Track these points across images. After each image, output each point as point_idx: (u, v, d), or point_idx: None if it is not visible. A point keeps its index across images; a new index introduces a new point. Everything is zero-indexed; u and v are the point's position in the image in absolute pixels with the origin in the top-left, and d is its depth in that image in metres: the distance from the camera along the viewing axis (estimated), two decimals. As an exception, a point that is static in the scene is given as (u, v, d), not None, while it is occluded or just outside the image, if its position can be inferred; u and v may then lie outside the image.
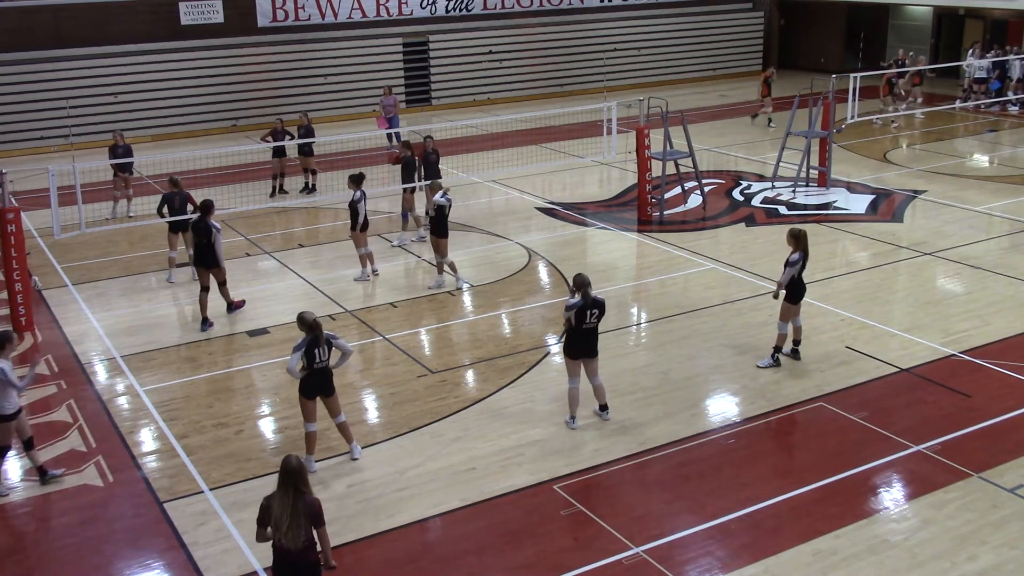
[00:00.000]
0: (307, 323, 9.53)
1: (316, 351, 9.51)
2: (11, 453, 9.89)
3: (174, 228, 15.39)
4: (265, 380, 11.94)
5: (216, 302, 13.95)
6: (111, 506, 9.48)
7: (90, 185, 18.69)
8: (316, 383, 9.65)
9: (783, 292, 11.77)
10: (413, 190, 17.29)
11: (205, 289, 13.66)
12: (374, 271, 15.47)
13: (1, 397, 9.44)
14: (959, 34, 34.10)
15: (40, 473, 9.85)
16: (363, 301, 14.60)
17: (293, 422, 10.76)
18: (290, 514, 6.69)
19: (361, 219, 14.93)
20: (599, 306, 10.29)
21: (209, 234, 13.44)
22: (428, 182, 16.26)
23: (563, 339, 10.68)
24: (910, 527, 8.73)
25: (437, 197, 14.62)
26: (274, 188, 20.67)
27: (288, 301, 14.63)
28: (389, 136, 25.28)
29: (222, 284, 13.96)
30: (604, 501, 9.29)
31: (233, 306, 14.20)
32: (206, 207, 13.63)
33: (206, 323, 13.65)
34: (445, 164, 23.01)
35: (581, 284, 10.26)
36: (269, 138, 20.19)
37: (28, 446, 9.82)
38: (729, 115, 28.87)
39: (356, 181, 15.12)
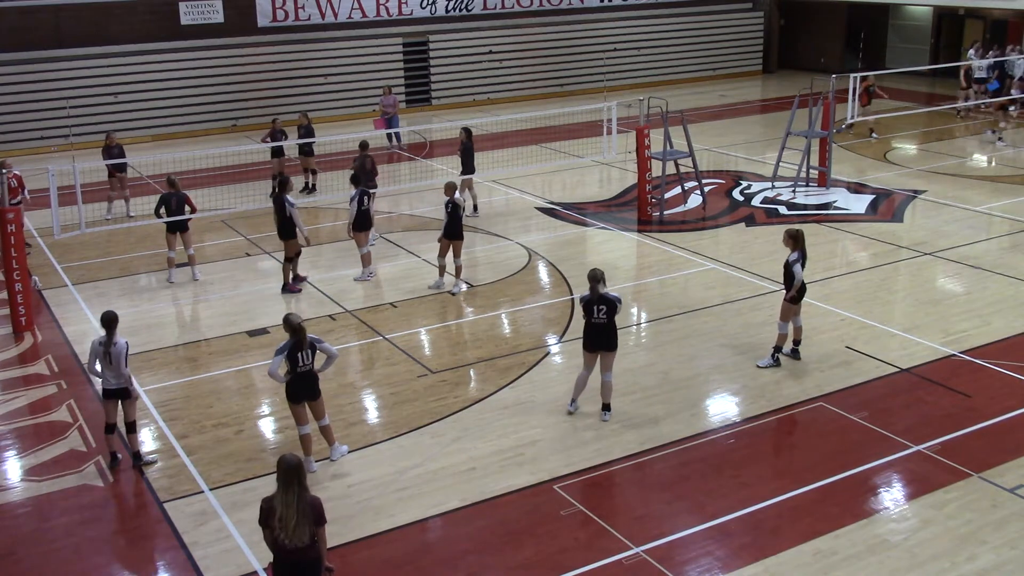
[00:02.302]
0: (292, 326, 9.49)
1: (299, 355, 9.49)
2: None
3: (172, 228, 15.40)
4: (265, 380, 11.92)
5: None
6: (111, 506, 9.49)
7: (90, 185, 18.68)
8: (301, 387, 9.64)
9: (785, 291, 11.80)
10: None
11: (288, 260, 14.92)
12: (370, 273, 15.46)
13: (120, 371, 9.74)
14: (959, 34, 34.09)
15: (135, 457, 10.02)
16: (363, 301, 14.60)
17: (293, 422, 10.75)
18: (296, 511, 6.66)
19: (352, 216, 15.00)
20: (607, 303, 10.35)
21: (283, 208, 14.50)
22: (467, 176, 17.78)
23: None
24: (910, 527, 8.73)
25: (457, 196, 14.64)
26: (274, 188, 20.61)
27: (288, 301, 14.63)
28: (389, 136, 25.28)
29: (288, 259, 14.84)
30: (604, 501, 9.29)
31: (288, 286, 14.90)
32: (283, 183, 14.83)
33: (298, 279, 15.08)
34: (445, 164, 23.07)
35: (590, 279, 10.43)
36: (268, 139, 20.15)
37: (131, 428, 10.02)
38: (729, 115, 28.86)
39: (356, 180, 15.14)
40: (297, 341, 9.46)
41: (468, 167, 18.24)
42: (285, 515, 6.65)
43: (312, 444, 9.92)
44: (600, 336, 10.50)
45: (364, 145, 17.93)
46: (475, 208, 18.65)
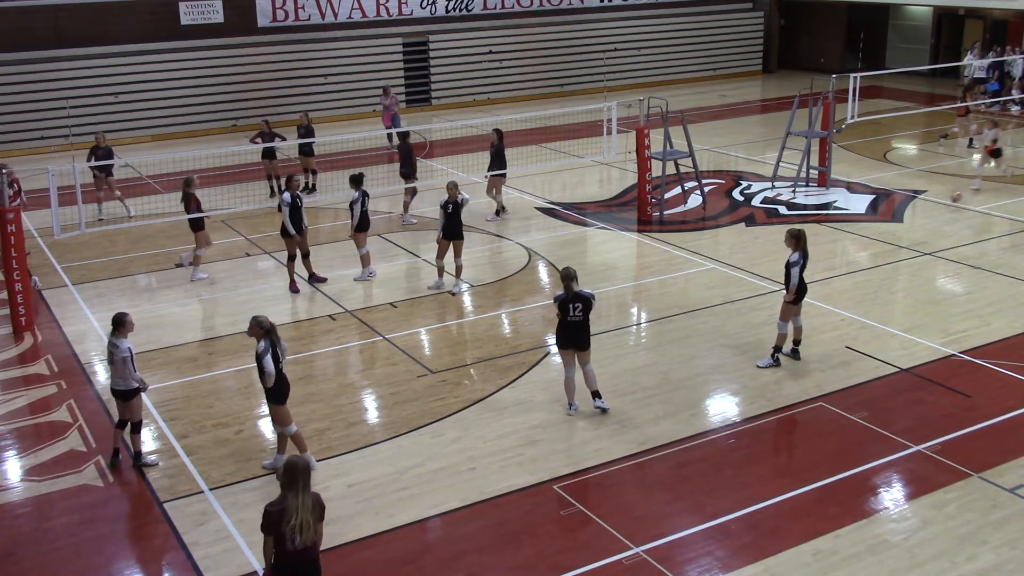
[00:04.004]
0: (265, 327, 9.36)
1: (278, 352, 9.44)
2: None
3: (189, 226, 15.63)
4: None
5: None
6: (111, 506, 9.49)
7: (90, 185, 18.70)
8: (287, 386, 9.58)
9: (785, 292, 11.80)
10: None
11: (291, 258, 15.02)
12: (370, 273, 15.45)
13: (122, 374, 9.83)
14: (959, 34, 34.11)
15: (135, 456, 10.09)
16: (363, 301, 14.60)
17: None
18: (310, 513, 6.62)
19: (355, 219, 15.00)
20: (583, 300, 10.40)
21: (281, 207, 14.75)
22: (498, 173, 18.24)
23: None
24: (910, 527, 8.73)
25: (460, 196, 14.64)
26: (271, 189, 20.60)
27: (288, 301, 14.65)
28: (389, 136, 25.27)
29: (291, 257, 14.92)
30: (604, 501, 9.29)
31: (292, 284, 15.01)
32: (287, 179, 15.05)
33: (315, 279, 15.26)
34: (445, 164, 23.09)
35: (565, 277, 10.49)
36: (258, 140, 20.07)
37: (133, 429, 10.08)
38: (729, 115, 28.87)
39: (356, 182, 15.15)
40: (272, 340, 9.37)
41: (499, 167, 18.26)
42: (302, 519, 6.56)
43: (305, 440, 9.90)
44: (575, 334, 10.53)
45: (405, 135, 18.36)
46: (499, 210, 18.64)
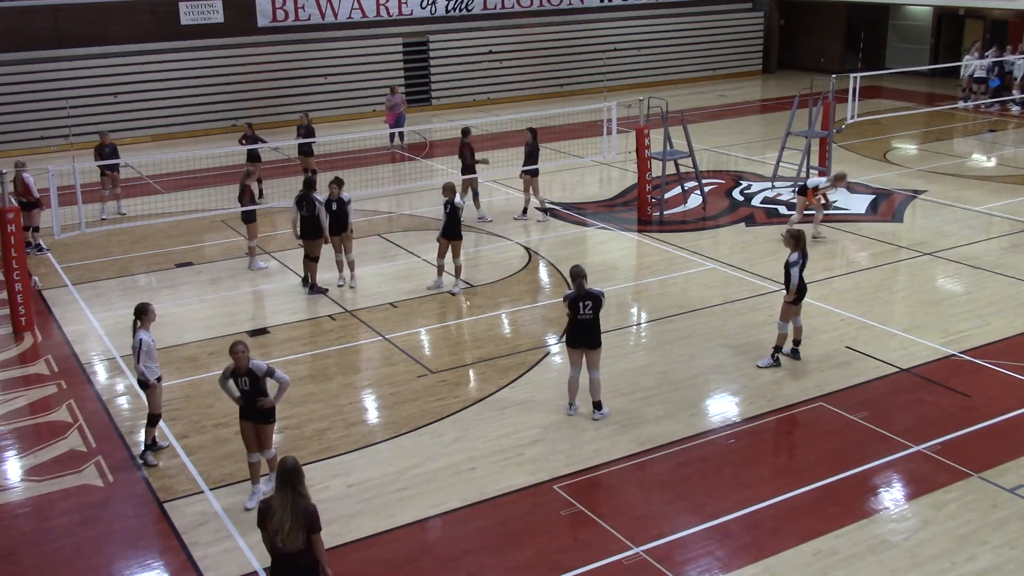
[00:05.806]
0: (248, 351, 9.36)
1: None
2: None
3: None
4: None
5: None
6: (111, 506, 9.49)
7: (90, 185, 18.68)
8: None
9: (785, 292, 11.80)
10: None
11: (315, 259, 14.86)
12: (340, 282, 15.28)
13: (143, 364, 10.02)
14: (959, 34, 34.10)
15: (146, 448, 10.26)
16: (363, 301, 14.60)
17: (293, 422, 10.79)
18: (291, 515, 6.65)
19: (350, 222, 14.98)
20: (593, 298, 10.39)
21: (314, 207, 14.59)
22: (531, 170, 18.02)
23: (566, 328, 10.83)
24: (910, 527, 8.73)
25: (457, 199, 14.63)
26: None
27: (288, 301, 14.64)
28: (391, 136, 25.29)
29: (315, 259, 14.81)
30: (604, 501, 9.29)
31: (315, 287, 14.89)
32: (310, 183, 14.86)
33: (312, 286, 14.99)
34: (445, 164, 23.05)
35: (575, 275, 10.49)
36: (244, 141, 20.04)
37: (149, 421, 10.26)
38: (729, 115, 28.86)
39: (341, 184, 15.03)
40: (269, 367, 9.40)
41: (529, 164, 18.17)
42: (281, 519, 6.62)
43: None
44: (586, 332, 10.52)
45: (466, 131, 18.47)
46: (540, 208, 18.56)
